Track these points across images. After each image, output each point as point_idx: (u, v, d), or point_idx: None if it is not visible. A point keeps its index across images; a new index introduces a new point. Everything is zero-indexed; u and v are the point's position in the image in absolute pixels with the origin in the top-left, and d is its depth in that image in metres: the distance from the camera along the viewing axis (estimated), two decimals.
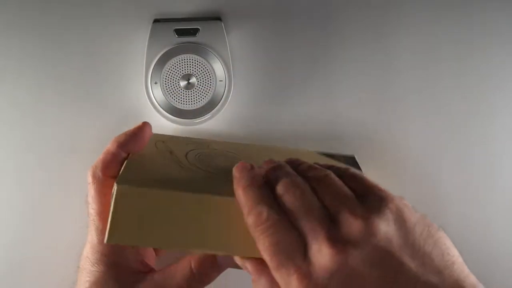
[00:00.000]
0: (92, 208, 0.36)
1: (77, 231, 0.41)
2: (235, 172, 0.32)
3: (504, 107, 0.45)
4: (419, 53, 0.45)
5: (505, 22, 0.44)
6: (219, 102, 0.42)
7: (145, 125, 0.38)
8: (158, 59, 0.41)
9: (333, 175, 0.31)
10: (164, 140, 0.39)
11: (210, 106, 0.42)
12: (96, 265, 0.35)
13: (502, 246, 0.46)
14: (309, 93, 0.45)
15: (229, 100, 0.42)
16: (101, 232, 0.35)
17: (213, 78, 0.42)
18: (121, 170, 0.33)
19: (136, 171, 0.33)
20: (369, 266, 0.26)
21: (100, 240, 0.35)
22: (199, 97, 0.42)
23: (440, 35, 0.44)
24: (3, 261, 0.42)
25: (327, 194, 0.30)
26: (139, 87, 0.42)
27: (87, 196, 0.36)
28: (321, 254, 0.27)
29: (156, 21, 0.42)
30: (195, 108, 0.42)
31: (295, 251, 0.28)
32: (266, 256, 0.28)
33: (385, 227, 0.27)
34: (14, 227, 0.42)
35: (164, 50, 0.41)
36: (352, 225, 0.27)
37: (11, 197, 0.42)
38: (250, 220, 0.29)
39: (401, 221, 0.28)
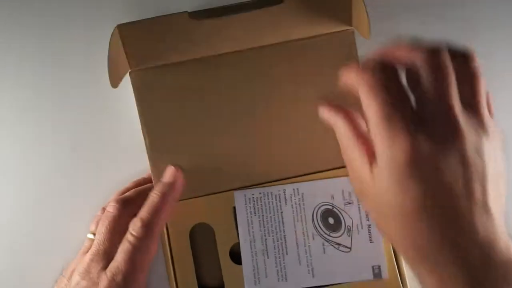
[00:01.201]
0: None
1: (77, 231, 0.41)
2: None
3: None
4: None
5: None
6: None
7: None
8: None
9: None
10: None
11: None
12: None
13: None
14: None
15: None
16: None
17: None
18: None
19: None
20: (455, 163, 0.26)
21: None
22: None
23: None
24: (2, 261, 0.42)
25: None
26: None
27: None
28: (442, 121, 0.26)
29: None
30: None
31: (409, 111, 0.27)
32: (372, 105, 0.27)
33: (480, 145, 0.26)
34: (14, 227, 0.42)
35: None
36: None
37: (11, 197, 0.43)
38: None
39: (493, 149, 0.27)
